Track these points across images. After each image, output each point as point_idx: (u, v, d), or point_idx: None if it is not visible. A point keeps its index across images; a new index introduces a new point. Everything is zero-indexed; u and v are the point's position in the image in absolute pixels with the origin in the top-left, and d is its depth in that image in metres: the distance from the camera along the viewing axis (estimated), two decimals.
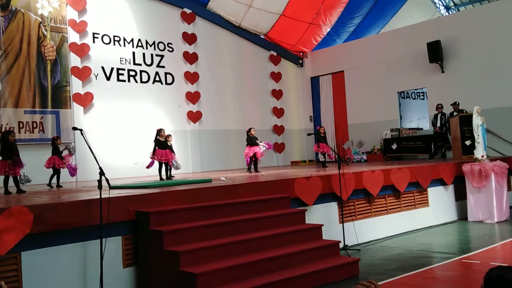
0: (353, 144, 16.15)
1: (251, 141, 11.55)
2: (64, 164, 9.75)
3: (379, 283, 5.74)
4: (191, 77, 15.12)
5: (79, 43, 12.93)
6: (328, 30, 17.18)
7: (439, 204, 10.14)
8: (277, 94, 17.42)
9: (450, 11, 21.91)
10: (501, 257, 7.18)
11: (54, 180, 9.79)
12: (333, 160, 15.36)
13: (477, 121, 10.42)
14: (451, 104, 12.81)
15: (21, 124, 11.72)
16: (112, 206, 5.54)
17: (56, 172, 9.75)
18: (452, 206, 10.47)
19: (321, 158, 12.74)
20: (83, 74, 12.92)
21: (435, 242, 8.40)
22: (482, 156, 10.29)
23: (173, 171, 10.94)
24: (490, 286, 1.89)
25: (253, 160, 11.61)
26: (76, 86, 12.80)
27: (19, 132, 11.30)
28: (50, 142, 10.01)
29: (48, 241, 5.43)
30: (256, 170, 11.57)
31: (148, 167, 10.30)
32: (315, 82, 18.28)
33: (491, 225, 9.49)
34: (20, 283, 5.21)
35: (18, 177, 8.73)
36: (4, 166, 8.47)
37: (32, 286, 5.26)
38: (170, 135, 10.99)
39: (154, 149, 10.14)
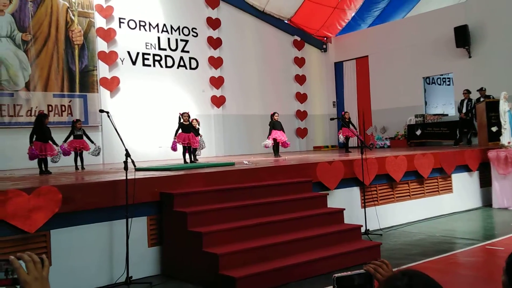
0: (377, 130, 16.02)
1: (274, 125, 11.59)
2: (86, 147, 10.06)
3: (401, 267, 5.76)
4: (215, 62, 15.18)
5: (105, 28, 13.10)
6: (353, 14, 16.95)
7: (463, 190, 10.04)
8: (300, 79, 17.35)
9: None
10: None
11: (79, 162, 10.09)
12: (356, 145, 15.30)
13: (504, 107, 10.23)
14: (478, 90, 12.58)
15: (50, 107, 12.02)
16: (137, 187, 5.69)
17: (79, 155, 10.05)
18: (476, 193, 10.35)
19: (341, 139, 12.62)
20: (110, 58, 13.12)
21: (458, 228, 8.35)
22: (509, 143, 10.12)
23: (197, 155, 11.08)
24: None
25: (274, 144, 11.66)
26: (103, 70, 13.01)
27: (48, 115, 11.56)
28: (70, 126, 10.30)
29: (76, 220, 5.62)
30: (277, 154, 11.62)
31: (173, 149, 10.40)
32: (338, 67, 18.12)
33: None
34: (49, 260, 5.41)
35: (51, 158, 9.10)
36: (37, 148, 8.78)
37: (61, 263, 5.46)
38: (196, 119, 11.12)
39: (177, 131, 10.26)
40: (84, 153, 10.22)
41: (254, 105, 15.91)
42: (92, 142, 10.24)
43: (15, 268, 1.43)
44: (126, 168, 5.64)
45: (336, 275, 1.75)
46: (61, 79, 12.28)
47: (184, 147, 10.39)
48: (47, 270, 1.49)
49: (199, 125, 11.05)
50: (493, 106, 11.51)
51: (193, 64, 14.86)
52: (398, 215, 8.76)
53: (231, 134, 15.25)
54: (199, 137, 10.74)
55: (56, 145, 9.24)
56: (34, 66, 11.87)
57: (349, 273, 1.76)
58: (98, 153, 10.67)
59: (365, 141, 14.73)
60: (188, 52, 14.74)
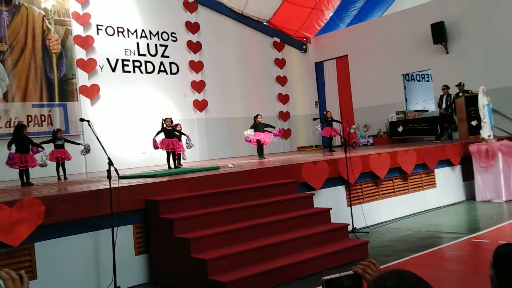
0: (359, 128, 16.12)
1: (257, 127, 11.57)
2: (68, 156, 9.95)
3: (389, 264, 5.77)
4: (196, 66, 15.13)
5: (83, 35, 12.95)
6: (331, 14, 17.06)
7: (446, 184, 10.16)
8: (282, 80, 17.39)
9: None
10: (510, 236, 7.21)
11: (61, 172, 9.96)
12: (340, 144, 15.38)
13: (482, 101, 10.39)
14: (456, 85, 12.74)
15: (29, 117, 11.83)
16: (121, 195, 5.63)
17: (61, 165, 9.92)
18: (459, 187, 10.49)
19: (318, 131, 12.57)
20: (89, 66, 12.97)
21: (443, 222, 8.44)
22: (489, 136, 10.28)
23: (184, 158, 11.03)
24: (499, 263, 1.89)
25: (258, 146, 11.63)
26: (82, 78, 12.86)
27: (28, 126, 11.37)
28: (51, 136, 10.16)
29: (61, 231, 5.53)
30: (261, 156, 11.60)
31: (154, 147, 10.27)
32: (319, 67, 18.21)
33: (499, 204, 9.50)
34: (34, 273, 5.32)
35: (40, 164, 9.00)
36: (20, 159, 8.64)
37: (47, 276, 5.37)
38: (179, 124, 11.06)
39: (158, 133, 10.17)
40: (75, 154, 10.08)
41: (237, 108, 15.89)
42: (77, 143, 10.15)
43: None
44: (109, 176, 5.57)
45: (325, 277, 1.75)
46: (39, 89, 12.10)
47: (168, 153, 10.32)
48: (26, 286, 1.45)
49: (180, 129, 10.95)
50: (472, 100, 11.67)
51: (174, 69, 14.79)
52: (384, 212, 8.83)
53: (214, 138, 15.21)
54: (186, 137, 10.64)
55: (42, 148, 9.13)
56: (12, 76, 11.67)
57: (337, 275, 1.76)
58: (88, 151, 10.40)
59: (348, 139, 14.83)
60: (168, 57, 14.66)
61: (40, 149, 9.11)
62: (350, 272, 1.79)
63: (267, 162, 10.01)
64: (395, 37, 15.45)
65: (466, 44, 13.85)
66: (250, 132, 11.40)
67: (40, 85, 12.11)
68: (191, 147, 10.92)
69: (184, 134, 10.68)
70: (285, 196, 6.98)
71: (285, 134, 17.16)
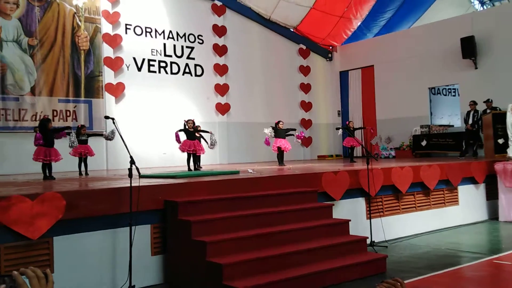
0: (382, 140, 15.94)
1: (279, 134, 11.53)
2: (91, 152, 10.07)
3: (407, 281, 5.66)
4: (220, 69, 15.18)
5: (112, 34, 13.13)
6: (359, 24, 16.96)
7: (469, 202, 9.94)
8: (306, 88, 17.33)
9: (485, 6, 21.32)
10: None
11: (83, 168, 10.07)
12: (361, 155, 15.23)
13: (510, 119, 10.16)
14: (484, 101, 12.51)
15: (55, 112, 12.02)
16: (141, 194, 5.63)
17: (83, 160, 10.03)
18: (483, 205, 10.25)
19: (340, 132, 12.38)
20: (116, 64, 13.13)
21: (464, 241, 8.25)
22: None
23: (201, 162, 11.03)
24: None
25: (279, 153, 11.59)
26: (108, 76, 13.03)
27: (53, 120, 11.57)
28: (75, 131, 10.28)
29: (80, 227, 5.56)
30: (281, 163, 11.55)
31: (178, 141, 10.35)
32: (344, 76, 18.10)
33: None
34: (51, 267, 5.35)
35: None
36: (41, 153, 8.77)
37: (63, 270, 5.40)
38: (198, 126, 11.11)
39: (179, 130, 10.27)
40: (98, 150, 10.20)
41: (259, 113, 15.88)
42: (101, 134, 10.36)
43: (18, 284, 1.38)
44: (130, 175, 5.59)
45: None
46: (66, 84, 12.28)
47: (188, 154, 10.35)
48: (51, 286, 1.43)
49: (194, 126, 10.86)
50: (499, 118, 11.44)
51: (198, 71, 14.86)
52: (404, 227, 8.67)
53: (235, 142, 15.21)
54: (210, 133, 10.69)
55: (68, 128, 9.40)
56: (40, 71, 11.88)
57: None
58: (113, 136, 10.23)
59: (370, 150, 14.67)
60: (193, 59, 14.74)
61: (66, 130, 9.28)
62: None
63: (287, 169, 9.95)
64: (423, 50, 15.26)
65: (496, 60, 13.59)
66: (269, 131, 11.35)
67: (67, 80, 12.30)
68: (214, 144, 10.90)
69: (207, 132, 10.73)
70: (304, 205, 6.90)
71: (306, 142, 17.07)
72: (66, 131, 9.34)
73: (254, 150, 15.28)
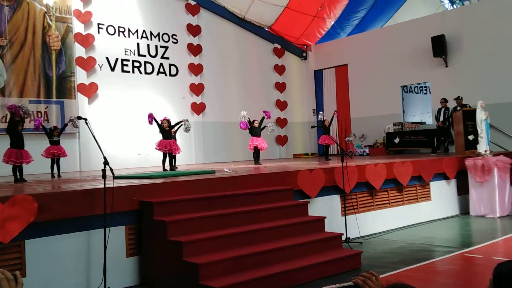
0: (356, 138, 16.15)
1: (254, 132, 11.55)
2: (63, 153, 9.93)
3: (382, 276, 5.77)
4: (195, 69, 15.12)
5: (84, 33, 12.93)
6: (332, 23, 17.13)
7: (441, 198, 10.16)
8: (281, 87, 17.40)
9: (454, 5, 21.79)
10: (503, 252, 7.20)
11: (55, 169, 9.91)
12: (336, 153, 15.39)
13: (480, 115, 10.40)
14: (455, 99, 12.79)
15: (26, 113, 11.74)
16: (116, 195, 5.58)
17: (55, 162, 9.87)
18: (454, 201, 10.48)
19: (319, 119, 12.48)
20: (88, 64, 12.94)
21: (437, 236, 8.43)
22: (485, 151, 10.29)
23: (177, 162, 10.97)
24: (500, 281, 1.87)
25: (255, 152, 11.61)
26: (80, 76, 12.82)
27: (24, 122, 11.31)
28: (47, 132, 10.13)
29: (52, 229, 5.47)
30: (257, 162, 11.58)
31: (150, 121, 10.39)
32: (318, 75, 18.25)
33: (493, 219, 9.51)
34: (23, 271, 5.26)
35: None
36: (13, 155, 8.58)
37: (36, 274, 5.30)
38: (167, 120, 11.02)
39: (156, 122, 10.28)
40: (70, 152, 10.09)
41: (234, 112, 15.79)
42: (65, 125, 10.40)
43: None
44: (104, 176, 5.53)
45: (324, 287, 1.72)
46: (37, 85, 12.05)
47: (164, 154, 10.28)
48: (21, 287, 1.42)
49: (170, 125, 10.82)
50: (470, 114, 11.71)
51: (173, 71, 14.77)
52: (378, 223, 8.81)
53: (211, 142, 15.18)
54: (184, 121, 10.80)
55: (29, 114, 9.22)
56: (10, 72, 11.62)
57: (337, 285, 1.73)
58: (76, 125, 10.45)
59: (344, 148, 14.82)
60: (168, 58, 14.65)
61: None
62: (350, 283, 1.76)
63: (263, 168, 9.98)
64: (395, 49, 15.51)
65: (466, 58, 13.91)
66: (245, 113, 11.42)
67: (38, 81, 12.06)
68: (189, 129, 11.04)
69: (180, 122, 10.78)
70: (280, 203, 6.94)
71: (282, 140, 17.15)
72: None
73: (230, 149, 15.28)
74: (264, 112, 11.94)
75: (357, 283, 1.77)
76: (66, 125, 10.41)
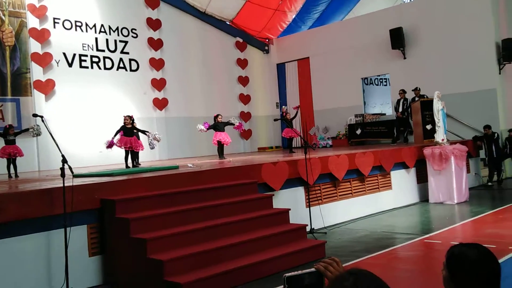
0: (319, 130, 16.34)
1: (218, 127, 11.50)
2: (20, 152, 9.62)
3: (345, 264, 5.86)
4: (156, 64, 14.91)
5: (39, 28, 12.52)
6: (294, 16, 17.22)
7: (401, 186, 10.42)
8: (244, 80, 17.39)
9: None
10: (461, 237, 7.45)
11: (12, 170, 9.62)
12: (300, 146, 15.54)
13: (437, 105, 10.70)
14: (413, 90, 13.10)
15: None
16: (76, 194, 5.46)
17: (12, 162, 9.57)
18: (414, 189, 10.77)
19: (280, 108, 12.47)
20: (44, 60, 12.54)
21: (398, 223, 8.64)
22: (442, 140, 10.61)
23: (140, 159, 10.79)
24: (452, 263, 1.93)
25: (219, 147, 11.57)
26: (36, 73, 12.42)
27: None
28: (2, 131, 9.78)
29: (10, 231, 5.30)
30: (221, 156, 11.55)
31: (108, 147, 10.11)
32: (281, 68, 18.34)
33: (451, 206, 9.82)
34: None
35: None
36: None
37: None
38: (134, 122, 10.83)
39: (116, 133, 10.00)
40: (27, 151, 9.74)
41: (198, 107, 15.77)
42: (25, 130, 9.87)
43: None
44: (63, 175, 5.39)
45: (286, 274, 1.73)
46: None
47: (126, 151, 10.11)
48: None
49: (133, 122, 10.59)
50: (427, 105, 12.02)
51: (134, 66, 14.52)
52: (341, 213, 8.96)
53: (174, 137, 15.03)
54: (148, 135, 10.41)
55: None
56: None
57: (299, 272, 1.75)
58: (39, 132, 9.99)
59: (308, 141, 14.97)
60: (128, 53, 14.38)
61: None
62: (312, 269, 1.78)
63: (227, 162, 9.97)
64: (355, 41, 15.74)
65: (423, 50, 14.27)
66: (201, 127, 11.32)
67: None
68: (153, 144, 10.71)
69: (145, 133, 10.42)
70: (245, 197, 6.96)
71: (246, 134, 17.17)
72: None
73: (194, 144, 15.17)
74: (235, 127, 11.78)
75: (319, 269, 1.79)
76: (26, 130, 9.98)
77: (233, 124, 11.66)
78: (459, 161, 10.23)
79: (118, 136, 9.98)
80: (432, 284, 4.92)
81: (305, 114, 17.30)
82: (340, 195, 9.10)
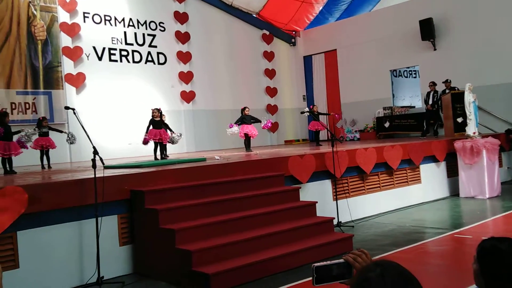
0: (346, 123, 16.20)
1: (245, 120, 11.53)
2: (52, 144, 9.84)
3: (373, 258, 5.85)
4: (184, 57, 15.01)
5: (69, 22, 12.76)
6: (321, 8, 17.05)
7: (431, 180, 10.25)
8: (270, 73, 17.36)
9: None
10: (492, 232, 7.29)
11: (45, 161, 9.85)
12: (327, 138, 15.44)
13: (469, 98, 10.46)
14: (443, 82, 12.84)
15: (13, 105, 11.64)
16: (106, 185, 5.57)
17: (45, 153, 9.81)
18: (444, 183, 10.58)
19: (305, 112, 12.32)
20: (75, 54, 12.79)
21: (427, 218, 8.52)
22: (474, 133, 10.37)
23: (168, 151, 10.92)
24: (483, 256, 1.90)
25: (246, 139, 11.60)
26: (67, 66, 12.68)
27: (12, 113, 11.21)
28: (35, 124, 10.00)
29: (44, 220, 5.46)
30: (248, 149, 11.58)
31: (144, 143, 10.27)
32: (308, 61, 18.21)
33: (483, 201, 9.62)
34: (16, 262, 5.25)
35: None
36: (1, 147, 8.51)
37: (29, 264, 5.30)
38: (164, 115, 10.97)
39: (148, 127, 10.15)
40: (60, 143, 9.95)
41: (224, 100, 15.83)
42: (61, 131, 10.04)
43: None
44: (94, 166, 5.50)
45: (315, 264, 1.74)
46: (24, 76, 11.91)
47: (155, 143, 10.25)
48: (0, 275, 1.41)
49: (162, 114, 10.73)
50: (458, 97, 11.76)
51: (161, 59, 14.66)
52: (369, 206, 8.88)
53: (201, 130, 15.14)
54: (171, 133, 10.56)
55: (18, 132, 8.93)
56: None
57: (328, 262, 1.75)
58: (73, 140, 10.19)
59: (335, 134, 14.87)
60: (155, 47, 14.52)
61: (18, 133, 8.93)
62: (341, 260, 1.78)
63: (254, 155, 9.99)
64: (384, 33, 15.50)
65: (454, 41, 13.95)
66: (234, 130, 11.32)
67: (24, 72, 11.92)
68: (175, 142, 10.83)
69: (172, 131, 10.60)
70: (271, 189, 6.97)
71: (273, 127, 17.14)
72: (18, 132, 8.98)
73: (221, 137, 15.21)
74: (263, 127, 11.79)
75: (348, 261, 1.79)
76: (61, 131, 10.17)
77: (260, 122, 11.65)
78: (491, 155, 9.99)
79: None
80: (463, 279, 4.84)
81: (332, 107, 17.17)
82: (367, 189, 9.02)
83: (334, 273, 1.76)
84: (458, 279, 5.10)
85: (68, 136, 10.04)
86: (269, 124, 11.85)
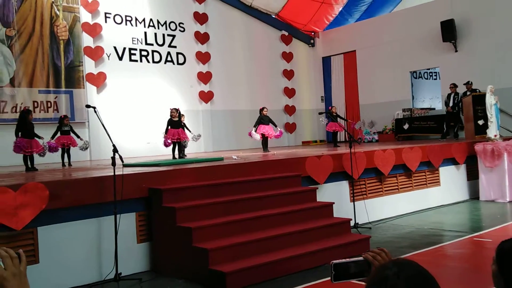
0: (365, 124, 16.09)
1: (263, 120, 11.56)
2: (73, 142, 10.01)
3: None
4: (203, 57, 15.10)
5: (91, 23, 12.95)
6: (340, 9, 16.97)
7: (450, 183, 10.12)
8: (288, 74, 17.34)
9: None
10: None
11: (66, 159, 10.02)
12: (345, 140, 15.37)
13: (490, 100, 10.32)
14: (464, 84, 12.67)
15: (35, 103, 11.86)
16: (125, 183, 5.63)
17: (66, 151, 9.98)
18: (464, 186, 10.44)
19: (323, 121, 12.53)
20: (96, 54, 12.98)
21: (446, 221, 8.41)
22: (495, 136, 10.22)
23: (186, 151, 11.03)
24: (503, 257, 1.88)
25: (263, 139, 11.63)
26: (89, 66, 12.87)
27: (34, 112, 11.42)
28: (57, 122, 10.19)
29: (64, 217, 5.55)
30: (266, 149, 11.60)
31: (164, 145, 10.42)
32: (326, 62, 18.15)
33: (503, 204, 9.46)
34: (36, 257, 5.35)
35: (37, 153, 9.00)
36: (23, 144, 8.69)
37: (48, 260, 5.40)
38: (183, 115, 11.08)
39: (166, 128, 10.26)
40: (73, 148, 10.14)
41: (242, 100, 15.87)
42: (79, 137, 10.18)
43: None
44: (113, 164, 5.58)
45: (333, 261, 1.74)
46: (46, 75, 12.12)
47: (173, 143, 10.34)
48: (24, 266, 1.45)
49: (184, 120, 10.95)
50: (479, 99, 11.60)
51: (181, 59, 14.77)
52: (387, 208, 8.81)
53: (219, 130, 15.21)
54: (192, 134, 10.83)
55: (39, 137, 9.12)
56: (19, 62, 11.70)
57: (346, 260, 1.75)
58: (87, 148, 10.54)
59: (353, 135, 14.79)
60: (175, 47, 14.64)
61: (38, 139, 9.10)
62: (360, 258, 1.78)
63: (271, 155, 10.00)
64: (404, 34, 15.36)
65: (475, 42, 13.75)
66: (255, 138, 11.50)
67: (47, 71, 12.14)
68: (197, 139, 11.06)
69: (190, 131, 10.81)
70: (289, 189, 6.97)
71: (290, 128, 17.15)
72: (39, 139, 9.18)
73: (239, 137, 15.27)
74: (275, 136, 11.96)
75: (367, 259, 1.78)
76: (78, 136, 10.33)
77: (276, 126, 11.80)
78: None
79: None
80: (482, 282, 4.77)
81: (350, 108, 17.08)
82: (385, 190, 8.95)
83: (352, 270, 1.76)
84: (477, 282, 5.04)
85: (83, 142, 10.22)
86: (279, 134, 12.04)
